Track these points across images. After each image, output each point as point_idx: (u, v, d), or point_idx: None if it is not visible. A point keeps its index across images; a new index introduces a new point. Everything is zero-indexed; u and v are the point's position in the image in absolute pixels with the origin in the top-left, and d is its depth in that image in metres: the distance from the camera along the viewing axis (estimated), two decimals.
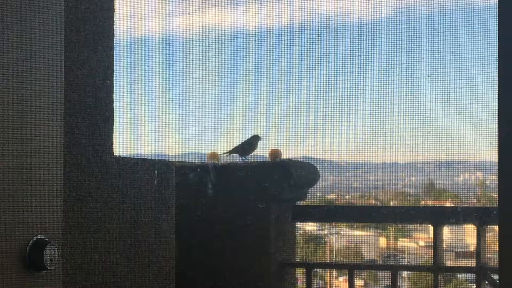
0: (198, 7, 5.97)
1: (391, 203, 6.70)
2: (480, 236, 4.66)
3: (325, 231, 8.13)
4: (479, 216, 4.68)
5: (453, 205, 5.95)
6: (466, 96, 5.25)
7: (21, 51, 2.03)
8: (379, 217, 5.33)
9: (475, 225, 4.68)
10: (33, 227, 2.04)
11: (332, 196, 7.10)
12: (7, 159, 1.97)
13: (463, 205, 5.44)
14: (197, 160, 5.26)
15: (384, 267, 5.18)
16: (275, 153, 5.06)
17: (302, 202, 5.26)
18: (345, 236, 8.65)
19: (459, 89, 5.25)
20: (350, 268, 4.98)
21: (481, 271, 4.58)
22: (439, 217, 4.89)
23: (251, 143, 5.28)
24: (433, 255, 4.74)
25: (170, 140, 6.12)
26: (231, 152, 5.28)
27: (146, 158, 3.50)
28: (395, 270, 4.84)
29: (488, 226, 4.77)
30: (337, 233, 8.41)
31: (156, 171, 3.48)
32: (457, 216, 4.82)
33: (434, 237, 4.74)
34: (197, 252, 4.82)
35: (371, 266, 6.20)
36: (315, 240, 7.90)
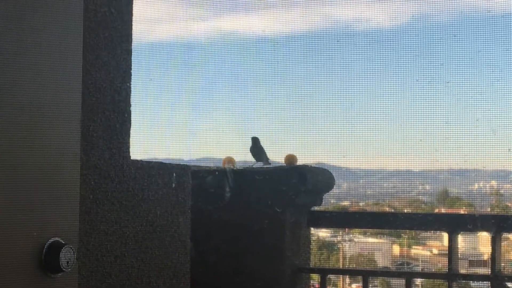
0: (217, 12, 5.98)
1: (405, 211, 6.69)
2: (495, 244, 4.63)
3: (339, 238, 8.13)
4: (496, 223, 4.65)
5: (468, 213, 5.93)
6: (484, 103, 5.23)
7: (39, 54, 2.04)
8: (396, 223, 5.30)
9: (491, 233, 4.65)
10: (49, 229, 2.05)
11: (346, 203, 7.10)
12: (24, 161, 1.98)
13: (479, 213, 5.42)
14: (212, 165, 5.25)
15: (399, 274, 5.15)
16: (290, 159, 5.05)
17: (317, 208, 5.24)
18: (358, 243, 8.66)
19: (478, 96, 5.23)
20: (365, 275, 4.96)
21: (496, 279, 4.56)
22: (455, 224, 4.86)
23: (260, 147, 5.23)
24: (448, 262, 4.72)
25: (186, 145, 6.13)
26: (261, 161, 5.19)
27: (163, 162, 3.51)
28: (410, 277, 4.82)
29: (503, 235, 4.74)
30: (350, 240, 8.41)
31: (174, 174, 3.49)
32: (475, 222, 4.79)
33: (449, 244, 4.71)
34: (213, 256, 4.81)
35: (386, 273, 6.18)
36: (329, 246, 7.90)
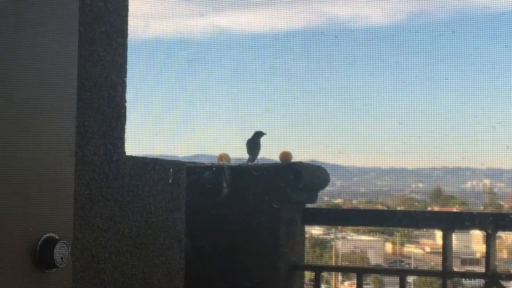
0: (214, 8, 5.97)
1: (398, 209, 6.69)
2: (490, 242, 4.63)
3: (332, 236, 8.13)
4: (493, 221, 4.65)
5: (462, 211, 5.94)
6: (483, 99, 5.23)
7: (34, 48, 2.03)
8: (393, 220, 5.29)
9: (488, 231, 4.65)
10: (44, 225, 2.04)
11: (339, 201, 7.09)
12: (19, 156, 1.97)
13: (476, 211, 5.42)
14: (207, 162, 5.24)
15: (394, 272, 5.15)
16: (285, 156, 5.05)
17: (311, 206, 5.24)
18: (351, 241, 8.66)
19: (477, 92, 5.24)
20: (359, 272, 4.95)
21: (493, 277, 4.56)
22: (451, 222, 4.86)
23: (257, 143, 5.23)
24: (443, 260, 4.72)
25: (181, 142, 6.12)
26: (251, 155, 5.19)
27: (157, 158, 3.50)
28: (404, 274, 4.82)
29: (497, 233, 4.75)
30: (343, 238, 8.41)
31: (171, 169, 3.48)
32: (472, 220, 4.79)
33: (443, 242, 4.72)
34: (207, 252, 4.81)
35: (380, 270, 6.18)
36: (322, 244, 7.90)
